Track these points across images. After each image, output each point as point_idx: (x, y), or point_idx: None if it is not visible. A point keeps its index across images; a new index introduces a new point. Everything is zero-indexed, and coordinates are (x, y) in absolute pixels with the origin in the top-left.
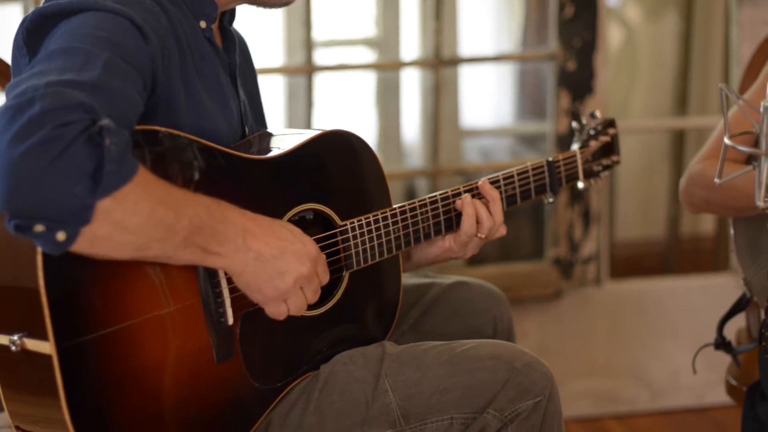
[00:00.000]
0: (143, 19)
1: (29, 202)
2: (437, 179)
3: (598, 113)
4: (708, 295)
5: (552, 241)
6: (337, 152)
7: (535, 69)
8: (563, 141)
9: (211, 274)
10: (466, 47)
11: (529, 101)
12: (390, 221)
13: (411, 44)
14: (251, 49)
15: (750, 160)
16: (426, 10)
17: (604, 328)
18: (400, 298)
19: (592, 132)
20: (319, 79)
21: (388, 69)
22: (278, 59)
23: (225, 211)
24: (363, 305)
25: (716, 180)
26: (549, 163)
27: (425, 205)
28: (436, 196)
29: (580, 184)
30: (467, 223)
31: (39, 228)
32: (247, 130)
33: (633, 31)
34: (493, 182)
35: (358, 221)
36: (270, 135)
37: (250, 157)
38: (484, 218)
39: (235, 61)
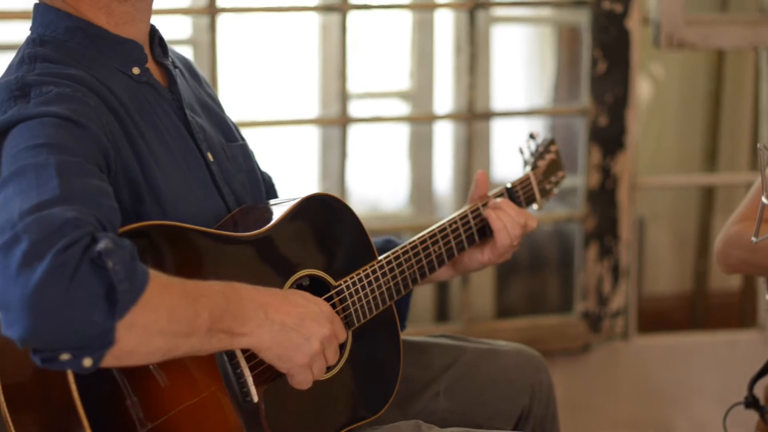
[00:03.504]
0: (71, 110)
1: (52, 335)
2: None
3: (535, 133)
4: (735, 351)
5: (581, 294)
6: (317, 216)
7: (566, 124)
8: (594, 196)
9: (230, 355)
10: (498, 101)
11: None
12: (379, 273)
13: (444, 97)
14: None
15: None
16: (460, 65)
17: (631, 382)
18: (401, 348)
19: (535, 152)
20: (354, 131)
21: (421, 121)
22: (313, 110)
23: (239, 291)
24: (369, 361)
25: (753, 239)
26: (509, 190)
27: (416, 246)
28: (425, 235)
29: (535, 206)
30: (502, 240)
31: (65, 357)
32: (210, 155)
33: (663, 87)
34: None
35: (351, 279)
36: (252, 210)
37: (241, 236)
38: (509, 225)
39: (179, 96)
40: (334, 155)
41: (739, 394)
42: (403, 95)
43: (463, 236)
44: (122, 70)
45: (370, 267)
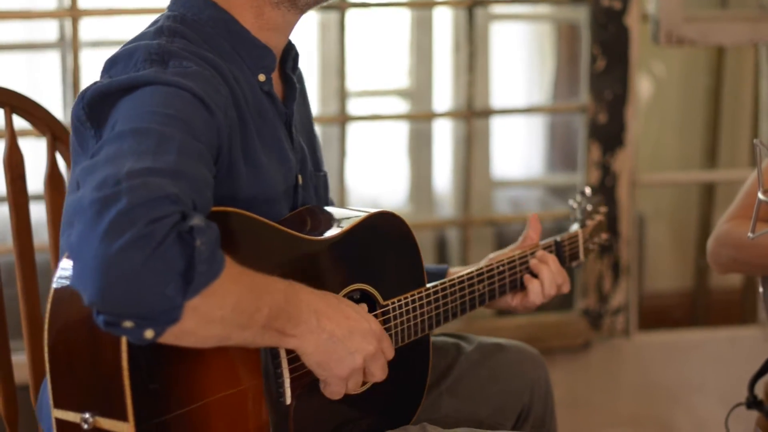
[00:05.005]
0: (205, 92)
1: (122, 301)
2: (468, 229)
3: (588, 191)
4: (736, 348)
5: (581, 292)
6: (381, 234)
7: (565, 121)
8: (594, 193)
9: (273, 354)
10: (497, 99)
11: (560, 153)
12: (425, 301)
13: (443, 95)
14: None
15: None
16: (459, 62)
17: (632, 379)
18: (429, 372)
19: (586, 210)
20: (353, 129)
21: (420, 120)
22: (312, 109)
23: (298, 293)
24: (398, 378)
25: (749, 234)
26: (557, 243)
27: (463, 281)
28: (472, 272)
29: (575, 263)
30: (535, 295)
31: (128, 324)
32: (300, 179)
33: (662, 84)
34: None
35: (398, 301)
36: (320, 213)
37: (308, 238)
38: (546, 284)
39: (292, 112)
40: (334, 153)
41: (740, 391)
42: (402, 93)
43: (507, 281)
44: (250, 72)
45: (418, 293)
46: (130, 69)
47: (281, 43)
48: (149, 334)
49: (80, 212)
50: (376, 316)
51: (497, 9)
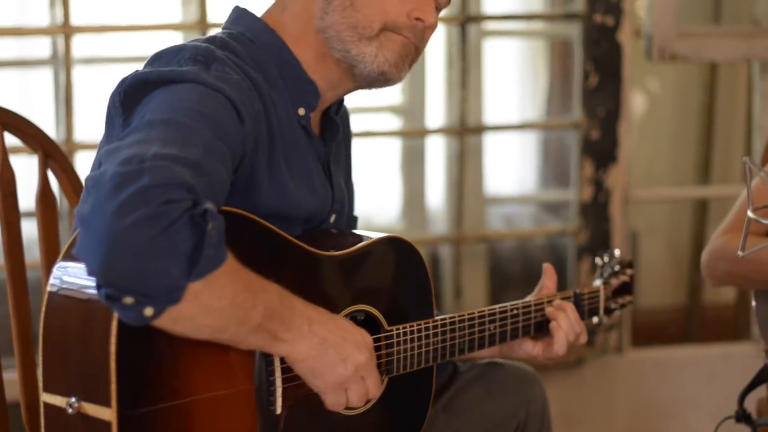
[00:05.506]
0: (240, 100)
1: (126, 275)
2: (461, 246)
3: (617, 252)
4: (729, 364)
5: None
6: (392, 258)
7: (559, 137)
8: (586, 209)
9: (268, 361)
10: (490, 115)
11: (553, 169)
12: (431, 332)
13: (436, 112)
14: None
15: None
16: (452, 79)
17: (626, 395)
18: (430, 404)
19: (612, 270)
20: None
21: (413, 136)
22: None
23: (292, 299)
24: (397, 405)
25: (739, 252)
26: (576, 295)
27: (473, 318)
28: (484, 311)
29: (595, 319)
30: (559, 344)
31: (128, 300)
32: (333, 218)
33: (656, 100)
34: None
35: (404, 328)
36: (334, 232)
37: (314, 252)
38: (567, 331)
39: (331, 150)
40: None
41: (733, 407)
42: (394, 109)
43: (520, 325)
44: (291, 102)
45: (425, 323)
46: (173, 63)
47: (331, 97)
48: (148, 311)
49: (99, 184)
50: (379, 339)
51: (490, 25)
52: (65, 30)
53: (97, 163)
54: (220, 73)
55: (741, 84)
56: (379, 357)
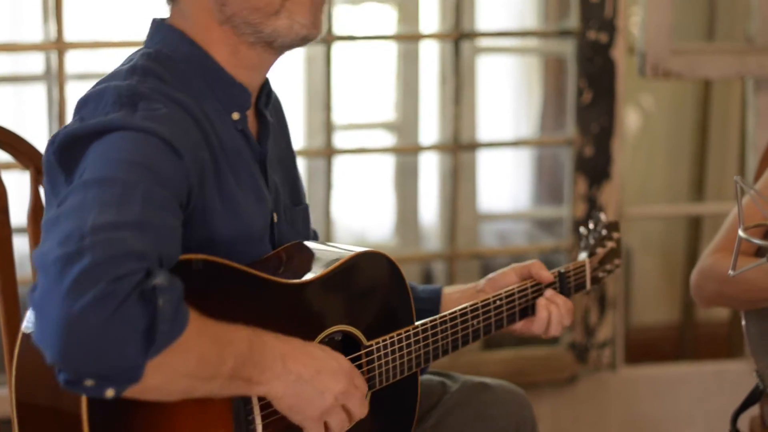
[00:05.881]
0: (174, 136)
1: (83, 361)
2: (454, 263)
3: (602, 216)
4: (723, 382)
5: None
6: (366, 275)
7: (552, 154)
8: (580, 226)
9: (245, 401)
10: (484, 132)
11: (547, 186)
12: (413, 339)
13: (430, 128)
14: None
15: (762, 252)
16: (445, 96)
17: (619, 413)
18: (416, 414)
19: (598, 236)
20: (339, 162)
21: (407, 153)
22: (298, 142)
23: (262, 338)
24: (381, 423)
25: (730, 272)
26: (561, 275)
27: (455, 318)
28: (466, 308)
29: (584, 292)
30: (539, 324)
31: (89, 383)
32: (275, 216)
33: (650, 117)
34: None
35: (384, 341)
36: (301, 253)
37: (283, 282)
38: (555, 321)
39: (266, 150)
40: (320, 186)
41: (727, 425)
42: (388, 126)
43: (505, 315)
44: (224, 110)
45: (405, 332)
46: (99, 111)
47: (257, 81)
48: (110, 393)
49: (43, 268)
50: (359, 357)
51: (484, 42)
52: (58, 46)
53: (44, 228)
54: (147, 112)
55: (735, 101)
56: (361, 374)
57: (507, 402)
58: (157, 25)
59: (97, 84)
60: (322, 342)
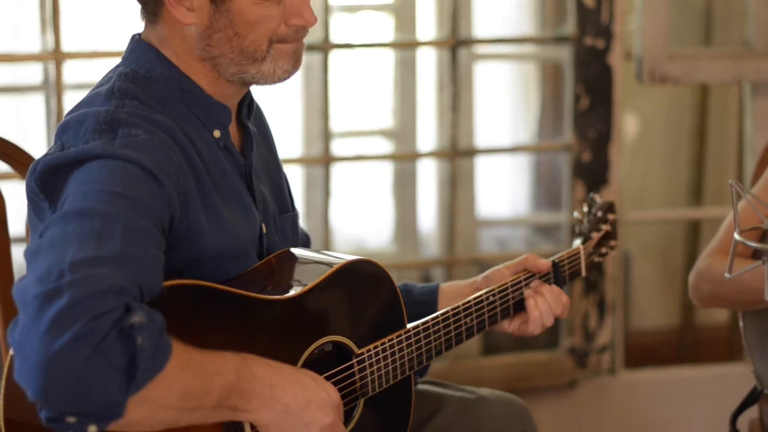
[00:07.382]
0: (154, 163)
1: (64, 399)
2: (453, 269)
3: (597, 198)
4: (723, 385)
5: (567, 330)
6: (354, 283)
7: (550, 160)
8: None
9: (237, 427)
10: (482, 138)
11: (545, 192)
12: (404, 343)
13: (428, 135)
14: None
15: (757, 254)
16: (442, 102)
17: (619, 417)
18: (410, 420)
19: (593, 219)
20: (337, 169)
21: (404, 159)
22: (296, 150)
23: (251, 367)
24: (376, 428)
25: (726, 275)
26: (555, 265)
27: (448, 317)
28: (458, 307)
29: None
30: (534, 324)
31: (71, 420)
32: (264, 227)
33: (647, 122)
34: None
35: (375, 348)
36: (290, 260)
37: (269, 299)
38: (545, 314)
39: (250, 163)
40: (318, 194)
41: (727, 429)
42: (386, 133)
43: (498, 310)
44: (205, 129)
45: (396, 337)
46: (80, 138)
47: (236, 99)
48: (92, 429)
49: (23, 305)
50: (351, 366)
51: (481, 49)
52: (56, 56)
53: (26, 259)
54: (127, 138)
55: (732, 106)
56: (353, 382)
57: (508, 416)
58: (135, 43)
59: (77, 108)
60: (312, 353)
